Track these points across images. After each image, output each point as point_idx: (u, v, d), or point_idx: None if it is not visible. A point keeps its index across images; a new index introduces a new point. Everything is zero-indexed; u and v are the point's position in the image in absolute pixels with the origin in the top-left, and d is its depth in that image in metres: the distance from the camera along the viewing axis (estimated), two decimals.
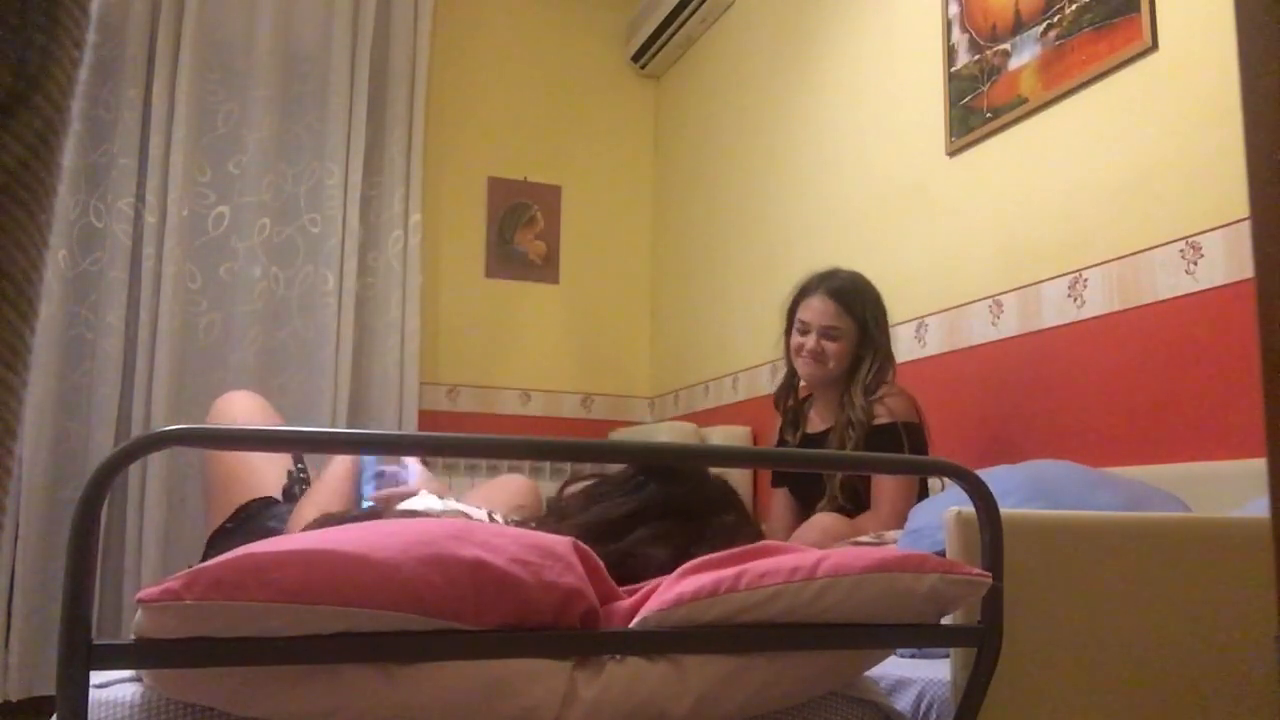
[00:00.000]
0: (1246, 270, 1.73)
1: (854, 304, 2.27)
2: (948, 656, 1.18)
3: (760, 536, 1.45)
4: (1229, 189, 1.80)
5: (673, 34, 3.97)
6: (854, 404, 2.21)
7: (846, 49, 3.00)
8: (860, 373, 2.23)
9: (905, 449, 2.11)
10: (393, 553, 0.89)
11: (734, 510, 1.41)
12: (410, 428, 3.61)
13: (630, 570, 1.17)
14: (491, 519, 1.43)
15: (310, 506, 1.64)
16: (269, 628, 0.84)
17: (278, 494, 1.88)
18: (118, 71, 3.39)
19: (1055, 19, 2.19)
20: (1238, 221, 1.77)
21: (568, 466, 3.77)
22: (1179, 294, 1.88)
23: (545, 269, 4.09)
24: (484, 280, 3.99)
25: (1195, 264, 1.85)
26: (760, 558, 1.05)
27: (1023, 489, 1.47)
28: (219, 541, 1.78)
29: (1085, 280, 2.09)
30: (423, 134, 3.78)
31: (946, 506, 1.18)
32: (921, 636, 1.13)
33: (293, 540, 0.92)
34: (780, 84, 3.36)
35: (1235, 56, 0.60)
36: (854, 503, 2.18)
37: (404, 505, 1.49)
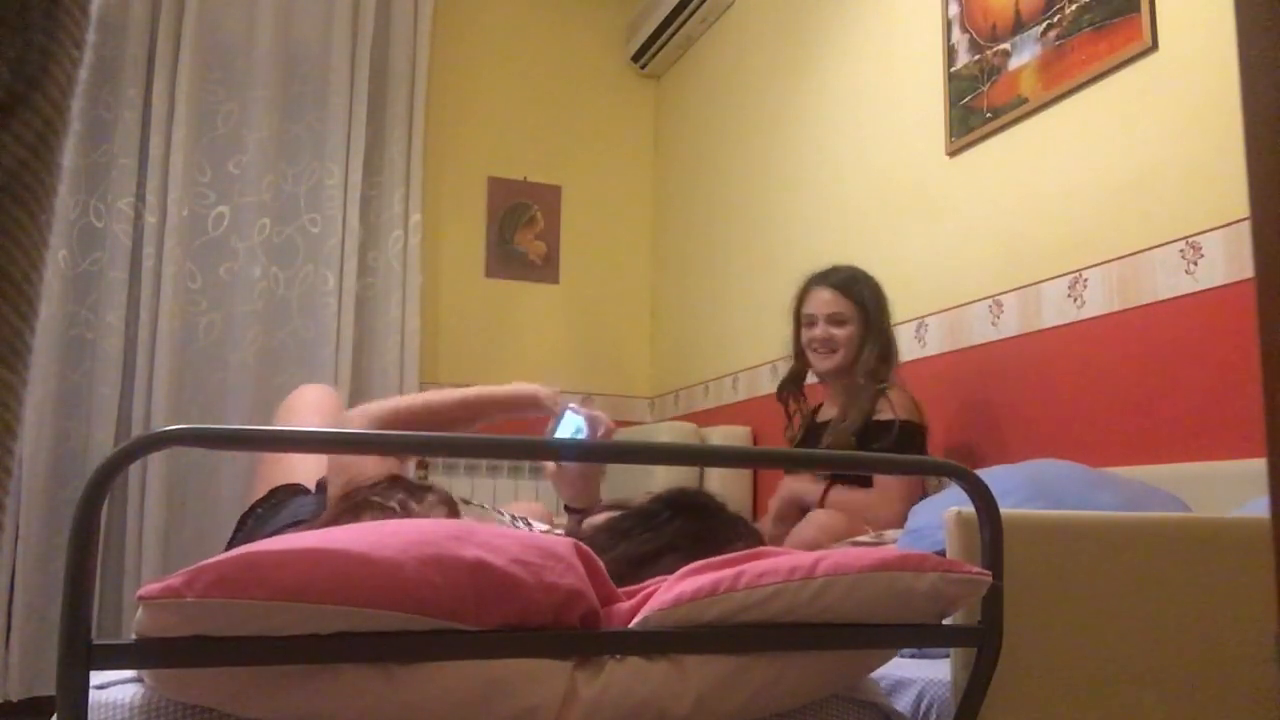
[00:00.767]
0: (1246, 270, 1.73)
1: (854, 290, 2.33)
2: (948, 656, 1.18)
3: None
4: (1229, 189, 1.80)
5: (673, 34, 3.97)
6: (858, 390, 2.26)
7: (846, 49, 3.00)
8: (864, 356, 2.28)
9: (898, 447, 2.13)
10: (394, 552, 0.89)
11: (749, 537, 1.42)
12: None
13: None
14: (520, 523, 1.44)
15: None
16: (270, 626, 0.84)
17: (311, 484, 1.89)
18: (118, 71, 3.39)
19: (1055, 19, 2.19)
20: (1238, 221, 1.77)
21: None
22: (1179, 294, 1.88)
23: (545, 269, 4.09)
24: (484, 280, 3.99)
25: (1195, 264, 1.85)
26: (759, 559, 1.05)
27: (1023, 489, 1.47)
28: (246, 522, 1.80)
29: (1085, 280, 2.09)
30: (423, 134, 3.78)
31: (946, 506, 1.18)
32: (921, 636, 1.12)
33: (295, 539, 0.92)
34: (780, 84, 3.36)
35: (1235, 56, 0.60)
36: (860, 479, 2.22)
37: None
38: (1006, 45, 2.33)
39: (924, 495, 2.20)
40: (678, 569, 1.14)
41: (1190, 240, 1.86)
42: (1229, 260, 1.79)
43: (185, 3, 3.47)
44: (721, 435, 3.32)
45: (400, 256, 3.69)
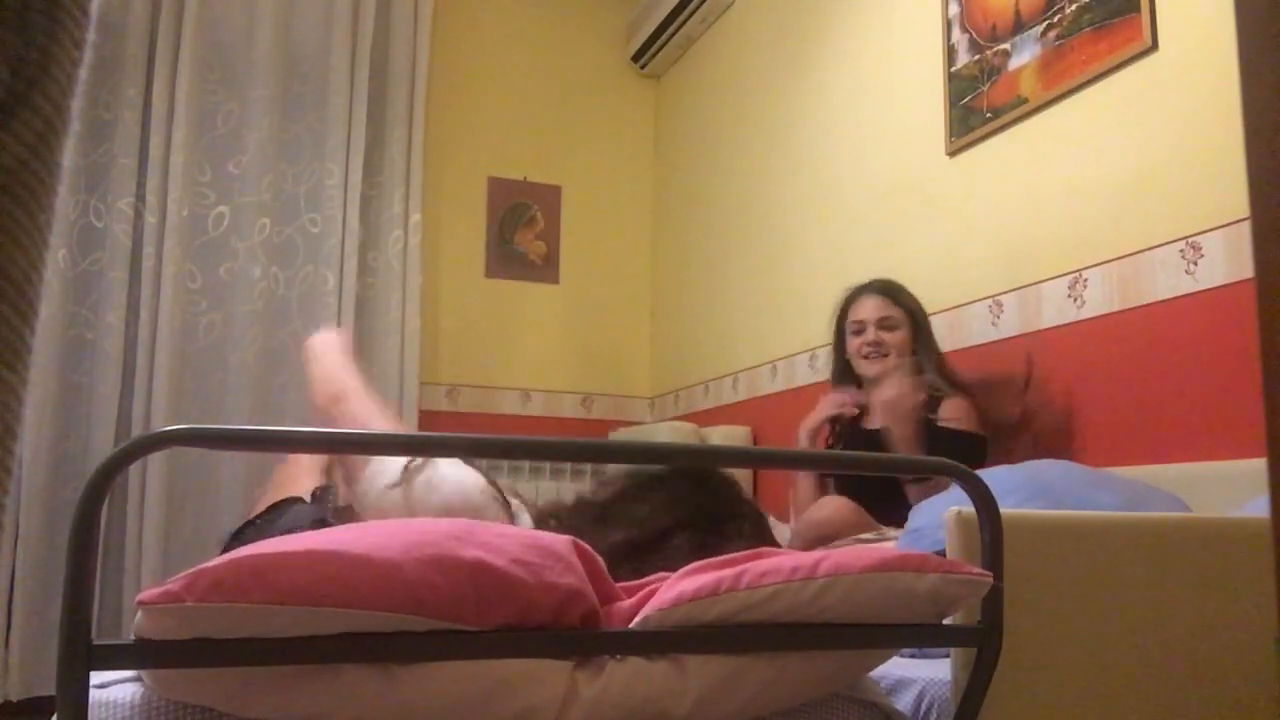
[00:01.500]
0: (1246, 270, 1.73)
1: (901, 296, 2.32)
2: (948, 656, 1.18)
3: (767, 528, 1.46)
4: (1229, 189, 1.80)
5: (673, 34, 3.97)
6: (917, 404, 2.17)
7: (846, 49, 3.00)
8: (922, 369, 2.23)
9: (956, 454, 2.05)
10: (394, 553, 0.89)
11: (748, 505, 1.42)
12: (410, 428, 3.61)
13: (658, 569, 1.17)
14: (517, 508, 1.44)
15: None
16: (270, 629, 0.84)
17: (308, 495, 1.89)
18: (118, 71, 3.39)
19: (1055, 19, 2.19)
20: (1238, 221, 1.77)
21: (568, 467, 3.78)
22: (1179, 294, 1.88)
23: (545, 269, 4.09)
24: (484, 280, 3.99)
25: (1195, 264, 1.85)
26: (760, 559, 1.05)
27: (1023, 489, 1.47)
28: (245, 532, 1.80)
29: (1085, 280, 2.09)
30: (423, 134, 3.78)
31: (946, 506, 1.18)
32: (922, 636, 1.12)
33: (294, 541, 0.92)
34: (780, 84, 3.36)
35: (1235, 56, 0.60)
36: None
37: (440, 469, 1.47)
38: (1006, 45, 2.33)
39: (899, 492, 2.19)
40: (689, 543, 1.14)
41: (1190, 240, 1.86)
42: (1229, 260, 1.79)
43: (185, 3, 3.47)
44: (721, 435, 3.32)
45: (400, 256, 3.69)
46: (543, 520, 1.48)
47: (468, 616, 0.91)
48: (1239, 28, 0.59)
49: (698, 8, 3.77)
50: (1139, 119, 2.00)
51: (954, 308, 2.46)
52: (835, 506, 2.07)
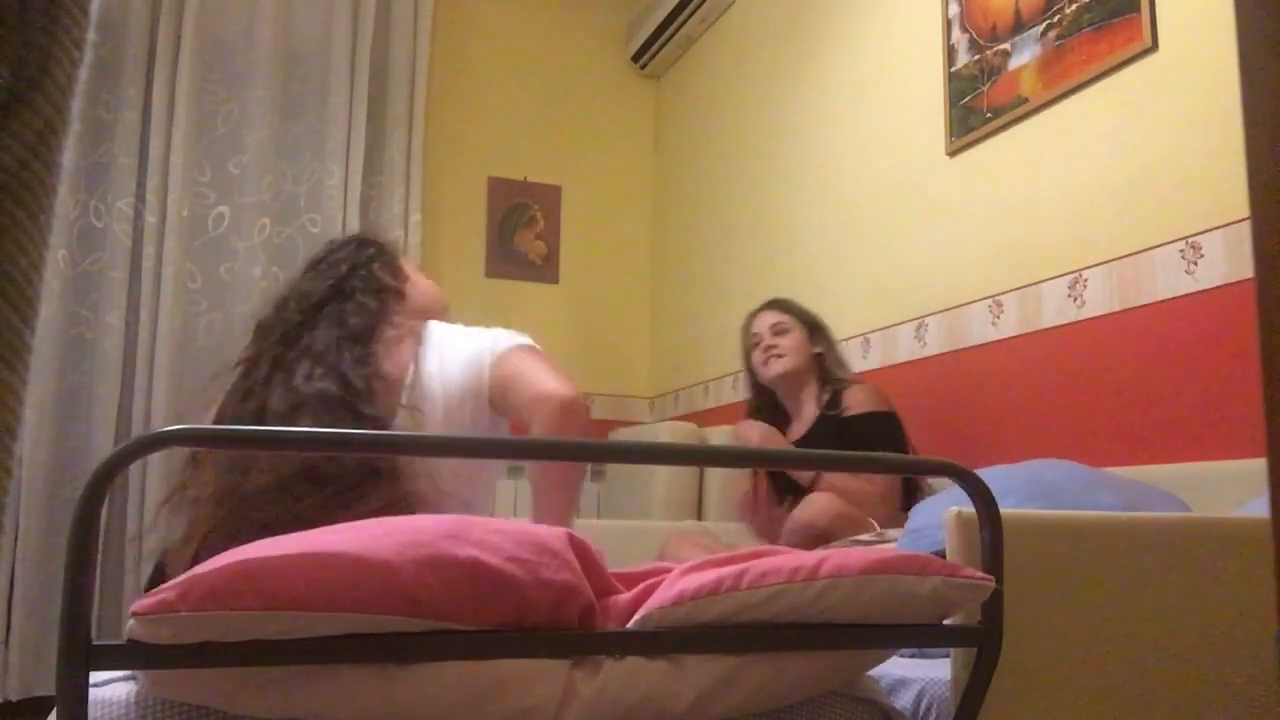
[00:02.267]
0: (1246, 270, 1.73)
1: (791, 306, 2.49)
2: (948, 656, 1.18)
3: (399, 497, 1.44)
4: (1229, 189, 1.80)
5: (673, 34, 3.97)
6: (808, 396, 2.39)
7: (846, 49, 3.00)
8: (822, 359, 2.41)
9: (875, 438, 2.17)
10: (388, 554, 0.89)
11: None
12: None
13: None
14: None
15: None
16: (265, 634, 0.84)
17: None
18: (118, 71, 3.39)
19: (1055, 19, 2.19)
20: (1238, 221, 1.77)
21: None
22: (1179, 294, 1.88)
23: (545, 269, 4.09)
24: (484, 280, 3.98)
25: (1195, 264, 1.85)
26: (761, 558, 1.05)
27: (1022, 489, 1.47)
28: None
29: (1085, 280, 2.09)
30: (423, 134, 3.78)
31: (946, 506, 1.18)
32: (922, 637, 1.13)
33: (287, 543, 0.91)
34: (780, 84, 3.36)
35: (1235, 56, 0.60)
36: None
37: None
38: (1006, 45, 2.33)
39: (916, 486, 2.21)
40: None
41: (1190, 240, 1.86)
42: (1229, 260, 1.79)
43: (185, 3, 3.47)
44: (721, 435, 3.32)
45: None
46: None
47: (464, 616, 0.91)
48: (1239, 28, 0.60)
49: (698, 8, 3.76)
50: (1139, 119, 2.00)
51: (954, 308, 2.46)
52: (821, 506, 2.07)
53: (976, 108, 2.41)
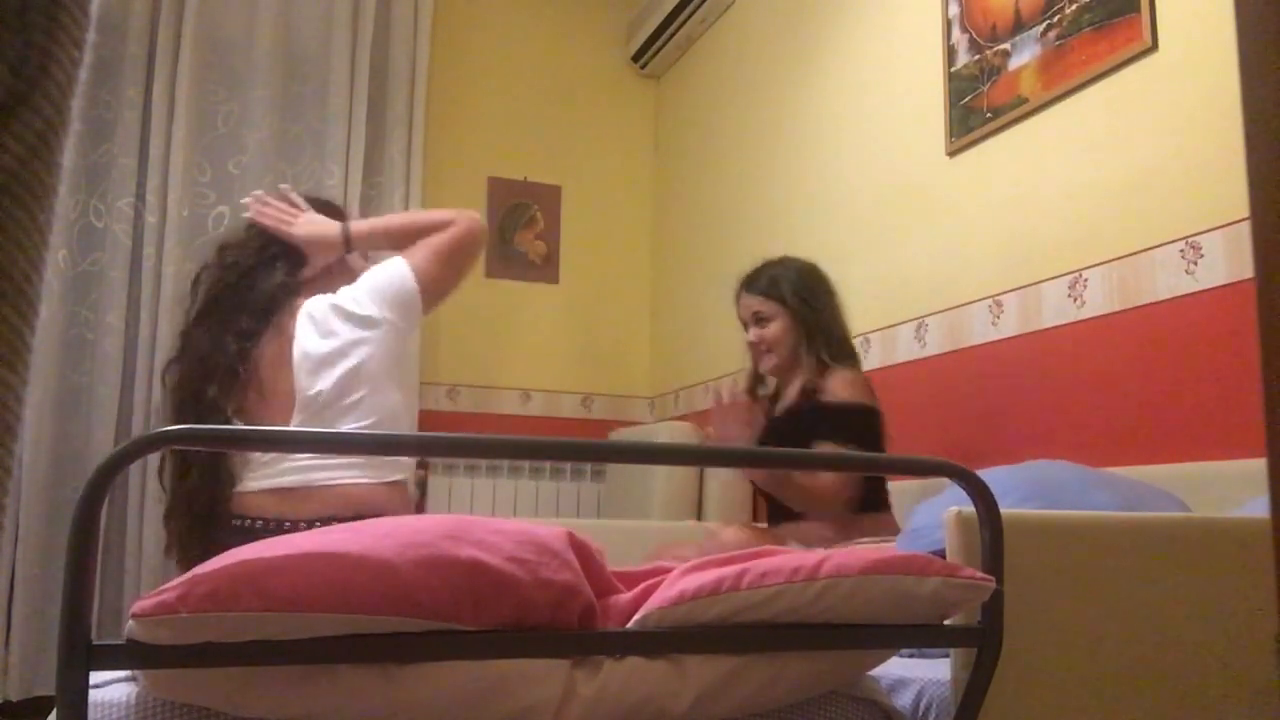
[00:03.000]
0: (1246, 270, 1.73)
1: (771, 288, 2.31)
2: (948, 656, 1.18)
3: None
4: (1229, 189, 1.80)
5: (673, 34, 3.97)
6: (801, 384, 2.25)
7: (847, 49, 3.00)
8: (810, 350, 2.25)
9: (848, 430, 2.08)
10: (389, 555, 0.89)
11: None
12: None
13: None
14: None
15: None
16: (266, 635, 0.84)
17: None
18: (118, 71, 3.39)
19: (1055, 19, 2.19)
20: (1238, 221, 1.77)
21: (568, 466, 3.78)
22: (1179, 294, 1.88)
23: (545, 269, 4.09)
24: (484, 280, 3.98)
25: (1195, 264, 1.85)
26: (761, 558, 1.05)
27: (1022, 489, 1.47)
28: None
29: (1085, 280, 2.09)
30: (423, 134, 3.78)
31: (946, 506, 1.18)
32: (922, 637, 1.13)
33: (287, 544, 0.91)
34: (780, 84, 3.36)
35: (1235, 56, 0.60)
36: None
37: None
38: (1006, 45, 2.33)
39: (878, 486, 2.17)
40: None
41: (1190, 240, 1.86)
42: (1229, 260, 1.79)
43: (185, 3, 3.47)
44: None
45: None
46: None
47: (464, 616, 0.91)
48: (1239, 28, 0.60)
49: (698, 8, 3.76)
50: (1139, 119, 2.00)
51: (954, 308, 2.46)
52: (724, 545, 2.03)
53: (976, 108, 2.41)
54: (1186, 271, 1.87)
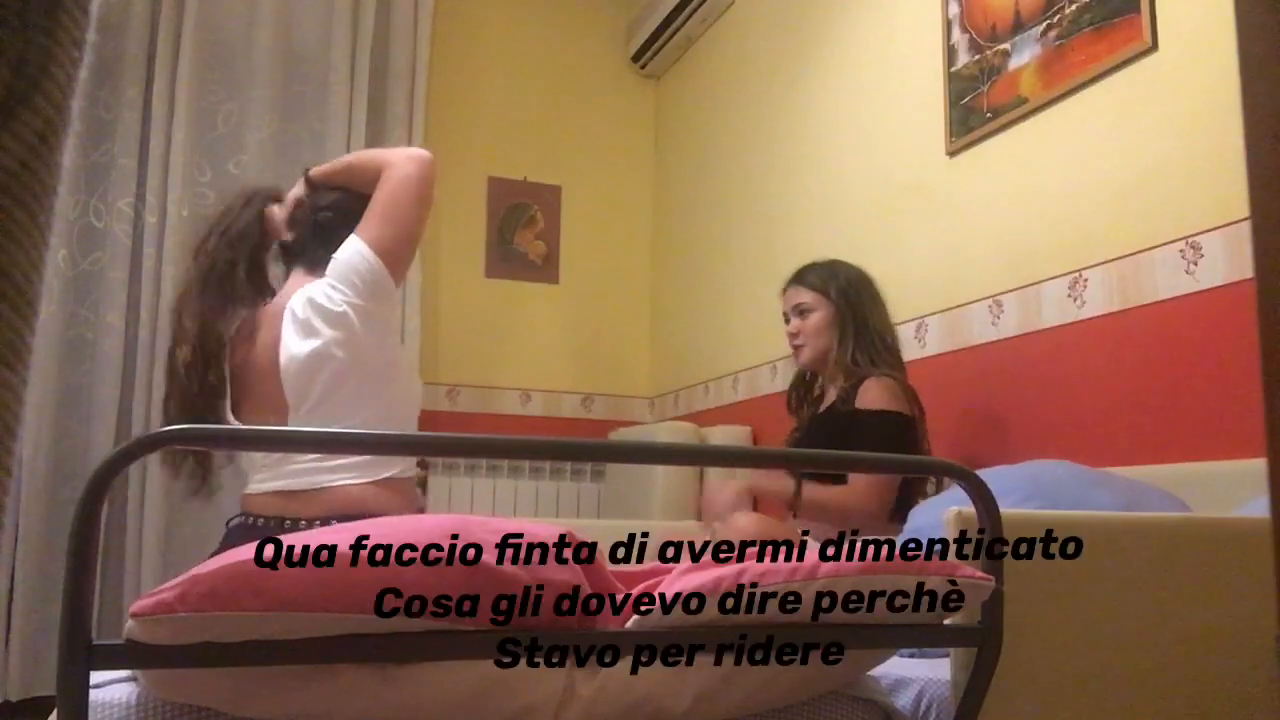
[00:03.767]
0: (1246, 270, 1.73)
1: (817, 281, 2.29)
2: (948, 656, 1.18)
3: None
4: (1229, 189, 1.80)
5: (673, 34, 3.97)
6: (835, 384, 2.23)
7: (846, 49, 3.00)
8: (844, 347, 2.23)
9: (879, 439, 2.06)
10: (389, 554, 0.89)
11: None
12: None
13: None
14: None
15: None
16: (265, 635, 0.84)
17: None
18: (118, 71, 3.39)
19: (1055, 19, 2.19)
20: (1238, 221, 1.77)
21: (568, 466, 3.78)
22: (1179, 294, 1.88)
23: (545, 269, 4.09)
24: (484, 280, 3.99)
25: (1195, 264, 1.85)
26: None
27: (1022, 489, 1.48)
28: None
29: (1085, 280, 2.09)
30: (423, 134, 3.78)
31: (946, 506, 1.18)
32: (922, 637, 1.13)
33: (286, 545, 0.91)
34: (780, 84, 3.36)
35: (1235, 56, 0.60)
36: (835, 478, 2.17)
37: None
38: (1006, 45, 2.33)
39: (910, 493, 2.18)
40: None
41: (1190, 240, 1.86)
42: (1229, 260, 1.79)
43: (185, 3, 3.47)
44: (721, 435, 3.32)
45: None
46: None
47: (464, 616, 0.91)
48: (1239, 28, 0.60)
49: (698, 8, 3.77)
50: (1139, 119, 2.00)
51: (954, 308, 2.46)
52: (740, 529, 2.01)
53: (976, 108, 2.41)
54: (1186, 271, 1.87)
